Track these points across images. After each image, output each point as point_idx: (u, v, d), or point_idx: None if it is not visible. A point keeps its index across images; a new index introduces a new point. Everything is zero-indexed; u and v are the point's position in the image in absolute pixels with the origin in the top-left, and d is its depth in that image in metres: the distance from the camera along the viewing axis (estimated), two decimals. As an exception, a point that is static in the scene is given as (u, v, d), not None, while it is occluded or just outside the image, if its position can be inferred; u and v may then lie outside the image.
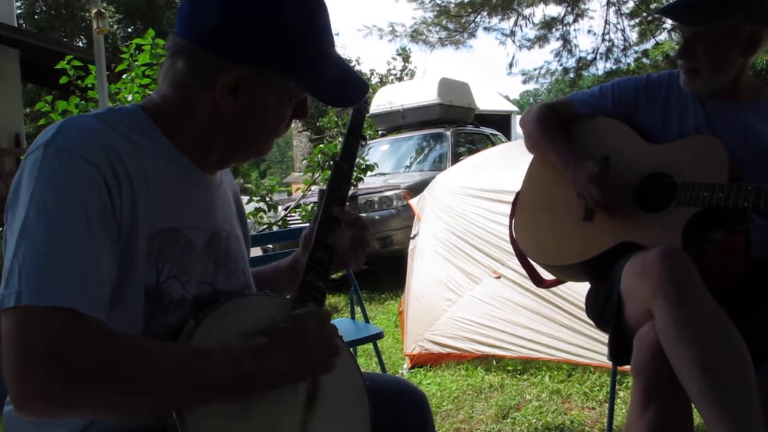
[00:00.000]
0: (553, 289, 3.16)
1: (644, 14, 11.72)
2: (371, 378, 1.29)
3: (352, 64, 22.69)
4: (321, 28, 1.10)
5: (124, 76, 5.39)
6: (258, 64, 1.04)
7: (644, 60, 12.34)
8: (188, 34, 1.06)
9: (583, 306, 1.97)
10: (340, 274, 4.27)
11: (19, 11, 15.94)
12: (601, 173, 1.79)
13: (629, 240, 1.74)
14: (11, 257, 0.89)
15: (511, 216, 2.11)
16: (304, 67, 1.07)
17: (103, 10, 3.01)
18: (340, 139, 6.84)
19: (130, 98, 5.21)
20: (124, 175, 0.98)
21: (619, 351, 1.70)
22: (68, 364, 0.84)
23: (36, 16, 22.40)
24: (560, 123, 2.01)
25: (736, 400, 1.35)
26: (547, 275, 2.13)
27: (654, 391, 1.48)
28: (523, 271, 2.14)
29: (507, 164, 4.00)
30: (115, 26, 21.05)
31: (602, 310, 1.79)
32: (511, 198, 2.14)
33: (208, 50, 1.04)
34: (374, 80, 21.24)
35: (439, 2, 11.67)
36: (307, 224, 5.35)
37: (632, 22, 12.14)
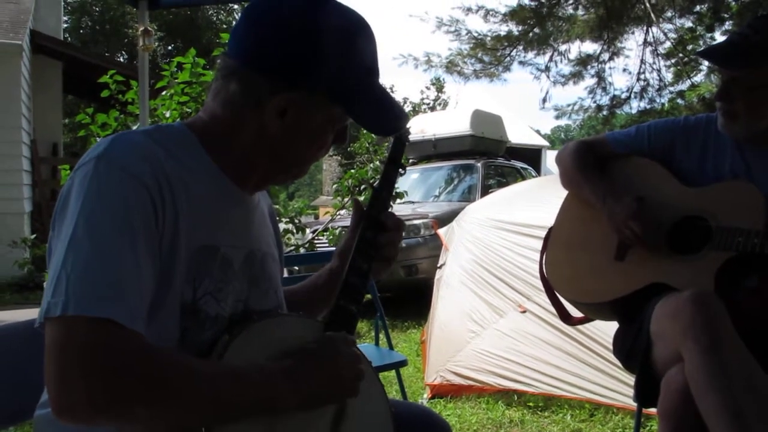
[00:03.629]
0: (579, 327, 3.14)
1: (680, 55, 11.69)
2: (397, 405, 1.29)
3: (386, 92, 22.97)
4: (369, 59, 1.13)
5: (163, 93, 5.51)
6: (308, 89, 1.07)
7: (679, 101, 12.28)
8: (242, 56, 1.09)
9: (609, 345, 1.96)
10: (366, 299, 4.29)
11: (65, 25, 16.37)
12: (639, 209, 1.79)
13: (661, 281, 1.74)
14: (59, 267, 0.91)
15: (543, 251, 2.11)
16: (351, 94, 1.10)
17: (149, 29, 3.09)
18: (370, 165, 6.88)
19: (168, 114, 5.31)
20: (168, 192, 1.01)
21: (645, 392, 1.69)
22: (107, 376, 0.86)
23: (81, 30, 22.99)
24: (596, 161, 2.02)
25: None
26: (575, 312, 2.12)
27: (681, 435, 1.47)
28: (549, 307, 2.14)
29: (537, 199, 4.00)
30: (156, 43, 21.51)
31: (630, 350, 1.78)
32: (540, 233, 2.14)
33: (262, 73, 1.07)
34: (407, 108, 21.37)
35: (476, 35, 11.75)
36: (334, 248, 5.36)
37: (668, 63, 12.10)
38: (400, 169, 1.37)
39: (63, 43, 13.16)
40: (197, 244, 1.06)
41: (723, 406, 1.37)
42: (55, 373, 0.86)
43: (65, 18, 16.65)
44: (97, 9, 22.30)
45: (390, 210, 1.32)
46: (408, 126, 1.24)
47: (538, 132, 23.02)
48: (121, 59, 22.65)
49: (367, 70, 1.12)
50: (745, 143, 1.84)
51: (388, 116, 1.15)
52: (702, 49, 1.91)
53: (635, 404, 1.93)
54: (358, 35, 1.11)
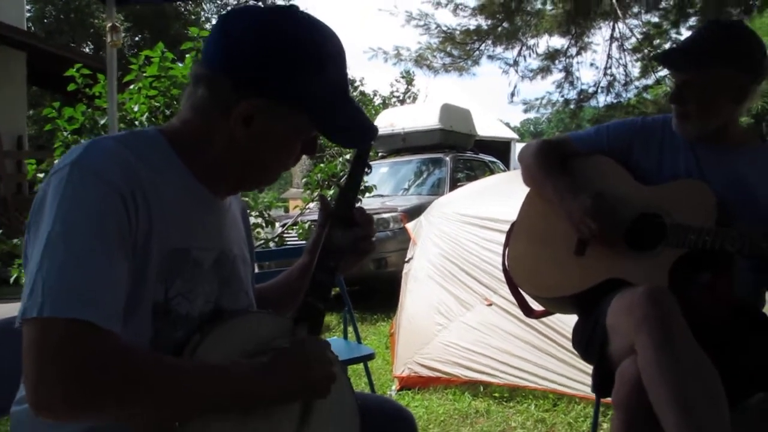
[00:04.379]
0: (543, 319, 3.21)
1: (647, 50, 11.88)
2: (362, 398, 1.34)
3: (356, 84, 22.88)
4: (339, 71, 1.16)
5: (131, 87, 5.47)
6: (273, 98, 1.11)
7: (645, 95, 12.50)
8: (211, 64, 1.13)
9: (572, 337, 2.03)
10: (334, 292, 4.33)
11: (28, 14, 16.06)
12: (596, 206, 1.85)
13: (618, 276, 1.80)
14: (35, 270, 0.95)
15: (505, 246, 2.17)
16: (319, 106, 1.13)
17: (117, 25, 3.08)
18: (339, 158, 6.90)
19: (136, 108, 5.28)
20: (141, 197, 1.04)
21: (602, 383, 1.76)
22: (83, 374, 0.90)
23: (45, 20, 22.55)
24: (558, 159, 2.08)
25: None
26: (537, 305, 2.19)
27: (633, 425, 1.54)
28: (515, 300, 2.20)
29: (504, 194, 4.06)
30: (123, 34, 21.20)
31: (588, 343, 1.85)
32: (506, 227, 2.20)
33: (228, 79, 1.11)
34: (377, 101, 21.38)
35: (445, 29, 11.82)
36: (304, 242, 5.37)
37: (634, 58, 12.29)
38: (366, 168, 1.41)
39: (26, 33, 12.94)
40: (169, 246, 1.09)
41: (673, 398, 1.44)
42: (33, 372, 0.90)
43: (28, 7, 16.31)
44: (62, -1, 21.94)
45: (358, 206, 1.36)
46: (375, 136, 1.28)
47: (507, 125, 23.17)
48: (87, 50, 22.29)
49: (336, 83, 1.16)
50: (698, 142, 1.92)
51: (354, 130, 1.19)
52: (655, 53, 2.00)
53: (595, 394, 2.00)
54: (325, 47, 1.14)
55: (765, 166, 1.86)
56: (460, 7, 11.64)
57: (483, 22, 11.86)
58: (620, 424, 1.58)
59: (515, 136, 20.25)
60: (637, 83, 12.43)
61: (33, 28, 19.58)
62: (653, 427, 1.49)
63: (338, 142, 1.24)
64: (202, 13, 23.28)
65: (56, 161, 1.06)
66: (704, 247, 1.71)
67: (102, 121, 5.12)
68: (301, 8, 1.19)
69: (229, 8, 23.05)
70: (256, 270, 1.57)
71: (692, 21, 11.48)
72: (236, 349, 1.10)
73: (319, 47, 1.14)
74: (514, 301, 2.24)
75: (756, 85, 1.85)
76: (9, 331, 1.27)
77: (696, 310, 1.63)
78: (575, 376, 3.18)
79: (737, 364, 1.68)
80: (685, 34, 11.23)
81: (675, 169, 1.93)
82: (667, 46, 10.85)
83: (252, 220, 6.15)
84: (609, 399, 1.69)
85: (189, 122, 1.16)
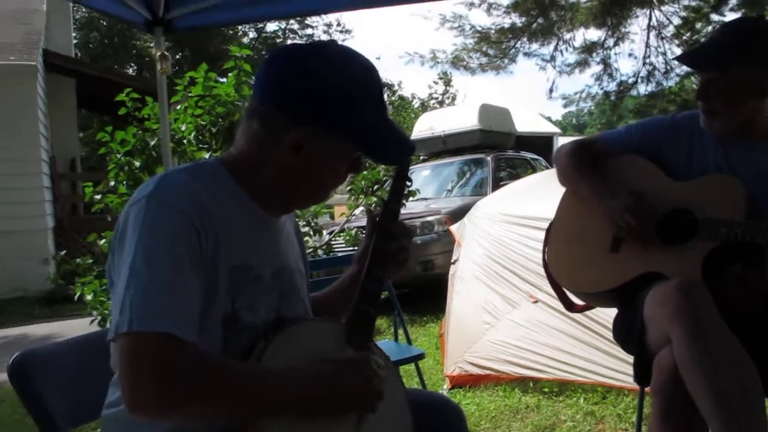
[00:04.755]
0: (588, 313, 3.28)
1: (686, 36, 11.71)
2: (413, 393, 1.46)
3: (394, 89, 23.01)
4: (376, 97, 1.29)
5: (177, 107, 5.69)
6: (319, 127, 1.24)
7: (687, 82, 12.31)
8: (262, 98, 1.27)
9: (616, 331, 2.11)
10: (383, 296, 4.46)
11: (75, 41, 16.64)
12: (635, 202, 1.93)
13: (653, 270, 1.88)
14: (123, 291, 1.10)
15: (545, 245, 2.26)
16: (359, 130, 1.26)
17: (167, 54, 3.27)
18: (381, 165, 7.03)
19: (183, 128, 5.49)
20: (208, 222, 1.19)
21: (643, 373, 1.84)
22: (169, 379, 1.06)
23: (90, 45, 23.30)
24: (590, 159, 2.16)
25: (745, 424, 1.48)
26: (577, 300, 2.27)
27: (671, 411, 1.62)
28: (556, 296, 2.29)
29: (545, 191, 4.12)
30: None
31: (627, 334, 1.93)
32: (547, 225, 2.29)
33: (278, 113, 1.24)
34: (415, 104, 21.49)
35: (479, 29, 11.86)
36: (352, 248, 5.49)
37: (674, 44, 12.12)
38: (407, 181, 1.53)
39: (75, 60, 13.43)
40: (233, 264, 1.23)
41: (708, 386, 1.52)
42: (128, 378, 1.06)
43: (74, 34, 16.89)
44: (105, 23, 22.56)
45: (399, 219, 1.47)
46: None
47: (549, 119, 23.04)
48: (131, 71, 22.95)
49: (374, 108, 1.28)
50: (726, 138, 1.98)
51: (394, 149, 1.31)
52: (678, 54, 2.08)
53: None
54: (362, 77, 1.27)
55: None
56: (493, 6, 11.66)
57: (517, 20, 11.86)
58: (659, 412, 1.66)
59: (557, 130, 20.14)
60: (678, 71, 12.21)
61: (79, 53, 20.25)
62: (691, 413, 1.58)
63: (380, 161, 1.37)
64: (239, 27, 23.71)
65: (135, 191, 1.22)
66: (735, 239, 1.78)
67: (152, 143, 5.33)
68: (338, 31, 1.32)
69: (267, 36, 23.39)
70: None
71: (733, 2, 11.30)
72: (297, 354, 1.23)
73: (357, 78, 1.26)
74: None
75: None
76: (95, 345, 1.44)
77: (729, 301, 1.70)
78: (623, 369, 3.23)
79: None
80: (729, 16, 11.05)
81: (704, 165, 1.99)
82: (709, 29, 10.69)
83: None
84: (652, 388, 1.77)
85: (245, 152, 1.30)
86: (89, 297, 4.95)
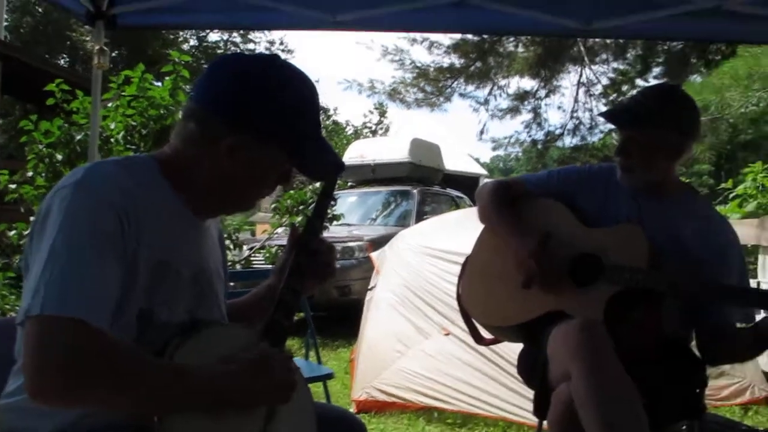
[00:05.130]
0: (497, 349, 3.39)
1: (611, 97, 12.31)
2: (318, 406, 1.48)
3: (329, 113, 23.13)
4: (312, 113, 1.33)
5: (109, 105, 5.57)
6: (257, 135, 1.27)
7: (610, 138, 12.90)
8: (202, 101, 1.29)
9: (522, 366, 2.19)
10: (298, 316, 4.45)
11: (5, 23, 16.03)
12: (539, 249, 2.02)
13: (559, 309, 1.97)
14: (39, 274, 1.09)
15: (460, 277, 2.34)
16: (295, 143, 1.30)
17: (105, 48, 3.22)
18: (309, 186, 7.05)
19: (113, 126, 5.38)
20: (133, 215, 1.19)
21: (542, 407, 1.92)
22: (76, 365, 1.04)
23: (21, 30, 22.46)
24: (511, 199, 2.25)
25: None
26: (486, 334, 2.34)
27: (566, 443, 1.70)
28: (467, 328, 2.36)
29: (466, 228, 4.21)
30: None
31: (531, 369, 2.02)
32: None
33: (216, 117, 1.27)
34: (349, 131, 21.64)
35: (419, 65, 12.15)
36: (271, 265, 5.48)
37: (601, 102, 12.71)
38: (332, 201, 1.57)
39: (3, 43, 12.91)
40: (154, 259, 1.23)
41: (599, 419, 1.61)
42: (32, 360, 1.04)
43: (6, 17, 16.27)
44: (40, 10, 21.83)
45: (321, 235, 1.51)
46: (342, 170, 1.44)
47: (477, 160, 23.54)
48: (62, 62, 22.23)
49: (309, 123, 1.32)
50: (639, 193, 2.10)
51: (326, 166, 1.36)
52: (602, 111, 2.22)
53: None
54: (302, 92, 1.32)
55: (699, 223, 2.05)
56: (434, 44, 12.01)
57: (456, 61, 12.23)
58: (554, 443, 1.74)
59: (484, 172, 20.56)
60: (602, 127, 12.83)
61: (9, 37, 19.48)
62: (583, 445, 1.66)
63: (309, 175, 1.41)
64: (181, 33, 23.38)
65: (63, 178, 1.21)
66: (637, 286, 1.90)
67: (78, 137, 5.20)
68: (280, 50, 1.36)
69: (207, 45, 23.21)
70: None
71: (656, 71, 11.97)
72: (210, 355, 1.23)
73: (296, 92, 1.31)
74: (468, 330, 2.39)
75: (691, 143, 2.05)
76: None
77: (626, 342, 1.80)
78: (524, 405, 3.33)
79: (663, 393, 1.86)
80: (652, 81, 11.69)
81: (617, 215, 2.12)
82: (633, 92, 11.27)
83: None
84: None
85: (179, 151, 1.31)
86: (-9, 290, 4.74)
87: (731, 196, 6.52)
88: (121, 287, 1.16)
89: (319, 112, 1.37)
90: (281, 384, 1.26)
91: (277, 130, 1.28)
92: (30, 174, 5.17)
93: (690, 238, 2.02)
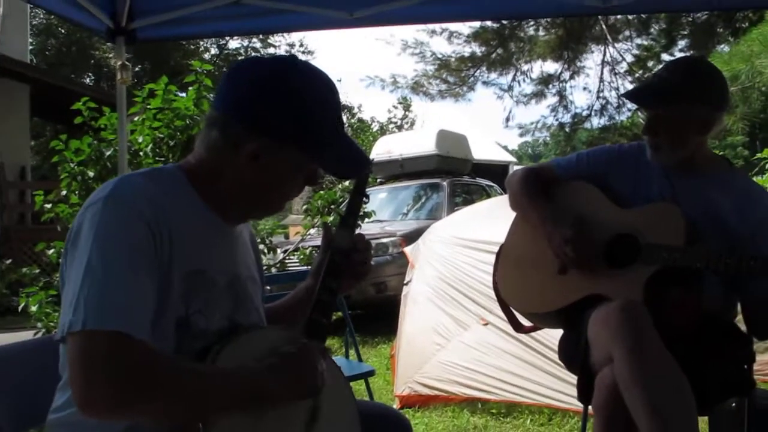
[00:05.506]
0: (537, 336, 3.36)
1: (638, 73, 12.11)
2: (361, 404, 1.48)
3: (353, 111, 23.16)
4: (334, 112, 1.33)
5: (135, 119, 5.64)
6: (278, 138, 1.27)
7: (638, 116, 12.72)
8: (223, 108, 1.30)
9: (564, 353, 2.17)
10: (336, 315, 4.47)
11: (31, 47, 16.33)
12: (574, 235, 2.00)
13: (597, 292, 1.95)
14: (77, 290, 1.10)
15: (495, 267, 2.32)
16: (316, 144, 1.29)
17: (127, 63, 3.26)
18: (339, 185, 7.07)
19: (140, 140, 5.44)
20: (164, 226, 1.20)
21: (586, 392, 1.90)
22: (121, 378, 1.06)
23: (47, 52, 22.88)
24: (541, 185, 2.23)
25: None
26: (525, 321, 2.33)
27: (611, 427, 1.68)
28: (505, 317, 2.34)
29: (498, 216, 4.20)
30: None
31: (572, 354, 1.99)
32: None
33: (238, 121, 1.27)
34: (374, 128, 21.64)
35: (440, 56, 12.09)
36: (306, 267, 5.48)
37: (627, 81, 12.52)
38: (365, 198, 1.57)
39: (30, 66, 13.17)
40: (188, 268, 1.25)
41: (644, 400, 1.58)
42: (80, 377, 1.06)
43: (31, 40, 16.58)
44: (63, 31, 22.20)
45: (357, 233, 1.51)
46: (371, 166, 1.44)
47: (505, 148, 23.40)
48: (88, 80, 22.58)
49: (332, 123, 1.32)
50: (671, 170, 2.07)
51: (349, 163, 1.35)
52: (625, 92, 2.18)
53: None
54: (324, 92, 1.31)
55: (736, 197, 2.00)
56: (454, 34, 11.94)
57: (477, 49, 12.14)
58: (600, 428, 1.72)
59: (513, 159, 20.45)
60: (630, 105, 12.59)
61: (35, 60, 19.86)
62: (630, 429, 1.64)
63: (335, 174, 1.41)
64: (201, 43, 23.60)
65: (92, 194, 1.22)
66: (675, 264, 1.86)
67: (107, 153, 5.27)
68: (300, 51, 1.36)
69: (228, 52, 23.39)
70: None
71: (683, 43, 11.74)
72: (251, 358, 1.24)
73: (315, 92, 1.31)
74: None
75: (720, 114, 2.01)
76: (42, 349, 1.43)
77: (667, 322, 1.77)
78: (569, 391, 3.29)
79: (709, 371, 1.83)
80: (678, 55, 11.47)
81: (649, 193, 2.08)
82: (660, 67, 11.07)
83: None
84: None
85: (204, 160, 1.32)
86: (34, 308, 4.81)
87: (768, 165, 6.37)
88: (157, 298, 1.18)
89: (340, 110, 1.36)
90: (310, 377, 1.27)
91: (298, 131, 1.27)
92: (64, 193, 5.25)
93: (728, 213, 1.98)
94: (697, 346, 1.85)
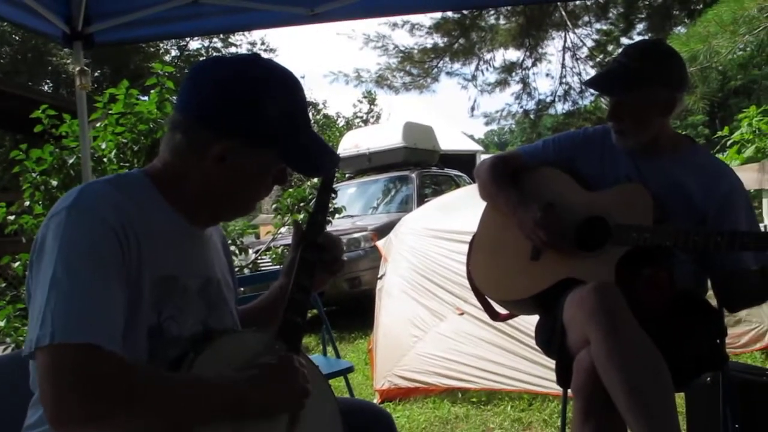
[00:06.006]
0: (513, 323, 3.38)
1: (598, 58, 12.25)
2: (341, 401, 1.47)
3: (319, 108, 23.06)
4: (299, 109, 1.31)
5: (97, 125, 5.54)
6: (242, 138, 1.25)
7: (601, 101, 12.87)
8: (186, 111, 1.27)
9: (540, 338, 2.18)
10: (311, 313, 4.45)
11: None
12: (545, 218, 2.01)
13: (570, 276, 1.96)
14: (44, 304, 1.07)
15: (468, 257, 2.33)
16: (283, 142, 1.27)
17: (86, 69, 3.19)
18: (307, 183, 7.04)
19: (104, 146, 5.35)
20: (131, 232, 1.17)
21: (565, 375, 1.91)
22: (93, 391, 1.03)
23: (1, 60, 22.39)
24: (510, 173, 2.24)
25: (657, 416, 1.57)
26: (501, 309, 2.34)
27: (591, 409, 1.70)
28: (481, 306, 2.35)
29: (468, 206, 4.22)
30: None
31: (549, 339, 2.01)
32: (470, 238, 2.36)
33: (202, 125, 1.25)
34: (340, 123, 21.57)
35: (403, 49, 12.09)
36: (279, 266, 5.45)
37: (588, 65, 12.65)
38: (332, 194, 1.56)
39: (-16, 76, 12.86)
40: (158, 275, 1.22)
41: (621, 380, 1.60)
42: (51, 391, 1.02)
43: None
44: (17, 38, 21.71)
45: (325, 230, 1.50)
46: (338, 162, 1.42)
47: (471, 137, 23.51)
48: (46, 88, 22.15)
49: (296, 120, 1.30)
50: (635, 152, 2.09)
51: (316, 160, 1.33)
52: (587, 80, 2.20)
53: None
54: (288, 90, 1.29)
55: (700, 175, 2.02)
56: (416, 26, 11.95)
57: (439, 40, 12.17)
58: (580, 411, 1.73)
59: (480, 148, 20.55)
60: (592, 90, 12.72)
61: (-11, 69, 19.43)
62: (610, 411, 1.65)
63: (303, 172, 1.39)
64: (161, 45, 23.27)
65: (55, 204, 1.19)
66: (644, 243, 1.88)
67: (70, 161, 5.17)
68: (262, 50, 1.34)
69: (188, 53, 23.15)
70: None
71: (641, 27, 11.90)
72: (227, 364, 1.23)
73: (280, 90, 1.28)
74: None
75: (680, 95, 2.03)
76: (11, 367, 1.39)
77: (640, 301, 1.79)
78: (547, 375, 3.32)
79: (683, 348, 1.86)
80: (637, 38, 11.64)
81: (616, 175, 2.10)
82: (619, 51, 11.22)
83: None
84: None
85: (169, 163, 1.29)
86: (2, 323, 4.70)
87: (729, 143, 6.49)
88: (127, 306, 1.15)
89: (306, 107, 1.34)
90: (295, 390, 1.25)
91: (264, 131, 1.25)
92: (27, 203, 5.14)
93: (693, 189, 2.01)
94: (670, 324, 1.87)
